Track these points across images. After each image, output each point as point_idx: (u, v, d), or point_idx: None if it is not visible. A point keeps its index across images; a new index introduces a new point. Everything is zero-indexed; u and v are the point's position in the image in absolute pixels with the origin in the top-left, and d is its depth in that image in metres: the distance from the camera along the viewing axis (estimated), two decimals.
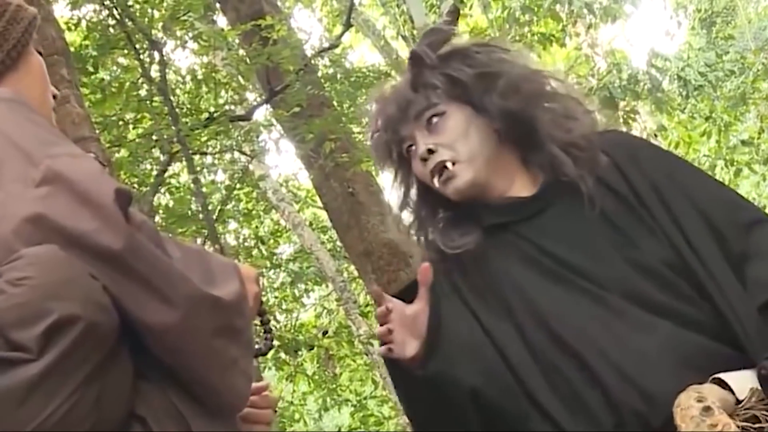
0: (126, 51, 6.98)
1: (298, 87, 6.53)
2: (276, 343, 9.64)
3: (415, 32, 9.46)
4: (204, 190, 7.23)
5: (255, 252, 10.05)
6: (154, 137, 6.89)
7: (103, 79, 7.17)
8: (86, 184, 1.43)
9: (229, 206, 8.57)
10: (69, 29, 6.77)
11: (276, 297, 10.70)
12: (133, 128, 7.47)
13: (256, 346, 1.81)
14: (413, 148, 2.07)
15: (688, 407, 1.74)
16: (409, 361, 1.85)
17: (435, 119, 2.04)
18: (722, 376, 1.79)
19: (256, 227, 10.50)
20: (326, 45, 7.95)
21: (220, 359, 1.49)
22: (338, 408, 11.84)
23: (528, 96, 2.04)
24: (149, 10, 6.88)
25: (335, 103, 7.17)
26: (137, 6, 6.87)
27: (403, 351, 1.85)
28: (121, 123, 7.17)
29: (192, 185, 6.84)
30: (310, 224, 11.29)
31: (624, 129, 9.51)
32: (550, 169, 2.04)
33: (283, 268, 10.66)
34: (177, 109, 6.83)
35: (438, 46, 2.10)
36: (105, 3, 6.66)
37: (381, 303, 1.86)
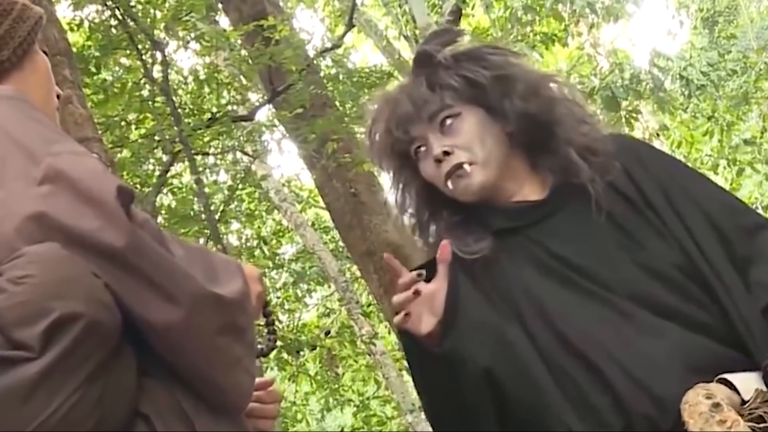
0: (128, 51, 6.98)
1: (301, 87, 6.53)
2: (278, 343, 9.64)
3: (417, 32, 9.46)
4: (206, 190, 7.22)
5: (257, 252, 10.05)
6: (156, 138, 6.89)
7: (105, 80, 7.18)
8: (88, 182, 1.42)
9: (231, 206, 8.57)
10: (71, 30, 6.77)
11: (278, 297, 10.70)
12: (136, 129, 7.47)
13: (259, 346, 1.81)
14: (423, 149, 2.06)
15: (697, 404, 1.74)
16: (425, 337, 1.84)
17: (449, 121, 2.03)
18: (728, 376, 1.79)
19: (259, 227, 10.51)
20: (328, 45, 7.94)
21: (223, 357, 1.48)
22: (341, 408, 11.85)
23: (547, 100, 2.04)
24: (151, 11, 6.89)
25: (337, 104, 7.16)
26: (139, 6, 6.87)
27: (419, 327, 1.83)
28: (123, 123, 7.17)
29: (194, 186, 6.84)
30: (313, 224, 11.29)
31: (626, 129, 9.52)
32: (561, 172, 2.04)
33: (285, 269, 10.67)
34: (179, 110, 6.83)
35: (448, 47, 2.09)
36: (107, 3, 6.66)
37: (395, 270, 1.85)
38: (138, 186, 7.24)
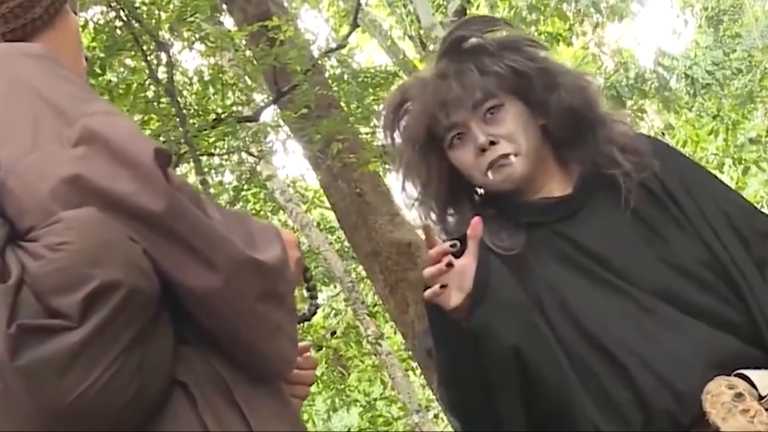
0: (133, 52, 6.98)
1: (306, 88, 6.52)
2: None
3: (421, 32, 9.45)
4: (212, 191, 7.23)
5: None
6: (161, 138, 6.88)
7: (110, 81, 7.17)
8: (124, 143, 1.38)
9: (236, 207, 8.57)
10: None
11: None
12: (141, 129, 7.47)
13: (300, 312, 1.76)
14: (461, 137, 2.04)
15: (719, 394, 1.75)
16: (452, 311, 1.83)
17: (493, 110, 2.03)
18: (745, 372, 1.81)
19: None
20: (333, 45, 7.95)
21: (264, 324, 1.45)
22: (347, 408, 11.84)
23: (590, 96, 2.06)
24: (156, 12, 6.88)
25: (343, 104, 7.16)
26: (144, 7, 6.87)
27: (447, 300, 1.82)
28: None
29: (200, 186, 6.83)
30: (318, 225, 11.28)
31: None
32: (592, 168, 2.05)
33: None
34: (184, 111, 6.83)
35: (488, 34, 2.08)
36: (112, 5, 6.66)
37: (431, 239, 1.84)
38: None
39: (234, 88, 8.13)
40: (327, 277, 10.67)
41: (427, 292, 1.83)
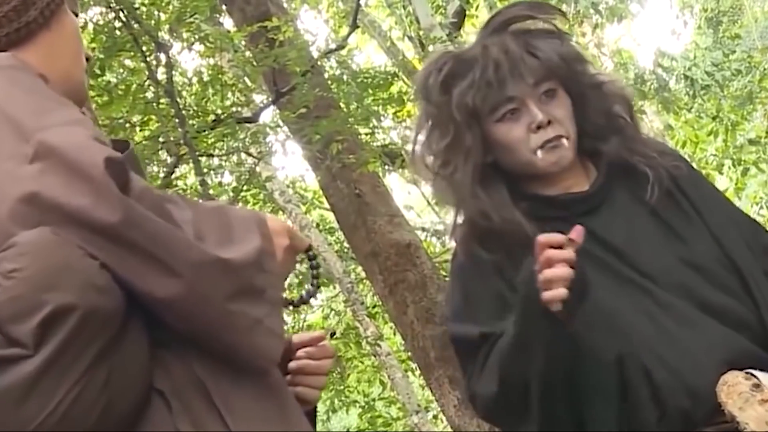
0: (132, 53, 6.98)
1: (305, 88, 6.52)
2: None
3: (421, 33, 9.45)
4: (211, 192, 7.22)
5: None
6: (161, 139, 6.89)
7: (109, 82, 7.17)
8: (76, 154, 1.36)
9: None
10: None
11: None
12: (140, 130, 7.47)
13: (303, 291, 1.74)
14: (514, 112, 2.03)
15: (736, 384, 1.75)
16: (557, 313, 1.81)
17: (549, 93, 2.05)
18: (753, 371, 1.81)
19: None
20: (333, 46, 7.95)
21: (240, 322, 1.42)
22: (346, 409, 11.83)
23: (629, 99, 2.11)
24: (155, 13, 6.89)
25: (342, 105, 7.16)
26: (143, 8, 6.87)
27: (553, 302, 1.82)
28: (127, 125, 7.17)
29: (199, 187, 6.83)
30: (317, 225, 11.27)
31: None
32: (611, 167, 2.08)
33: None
34: (184, 111, 6.83)
35: (543, 19, 2.09)
36: (111, 5, 6.66)
37: (555, 240, 1.80)
38: None
39: (233, 88, 8.12)
40: (326, 278, 10.66)
41: (548, 295, 1.78)
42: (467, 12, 10.34)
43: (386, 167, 8.49)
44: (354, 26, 7.61)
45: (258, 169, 8.76)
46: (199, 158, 6.76)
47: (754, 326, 1.93)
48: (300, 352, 1.80)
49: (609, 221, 2.03)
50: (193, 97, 8.03)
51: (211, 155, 7.75)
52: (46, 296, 1.29)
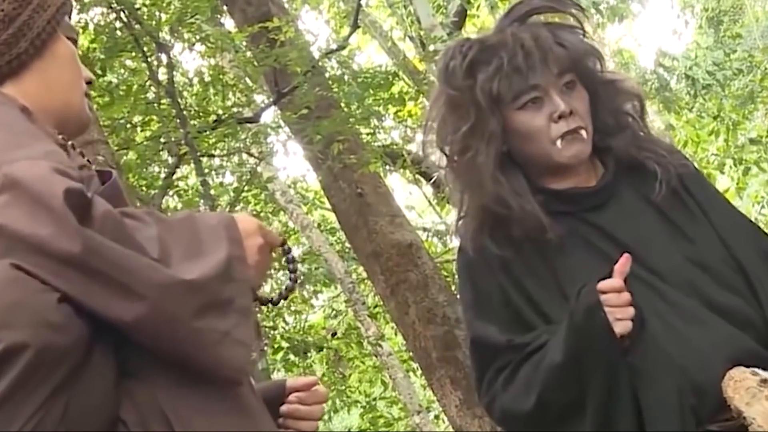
0: (134, 54, 6.98)
1: (306, 89, 6.52)
2: (285, 344, 9.64)
3: (422, 33, 9.45)
4: (212, 192, 7.23)
5: None
6: (162, 140, 6.89)
7: (110, 82, 7.18)
8: (37, 186, 1.38)
9: (237, 208, 8.56)
10: None
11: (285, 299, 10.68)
12: (141, 131, 7.48)
13: (285, 285, 1.74)
14: (536, 101, 2.03)
15: (743, 379, 1.75)
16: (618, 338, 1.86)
17: (570, 85, 2.05)
18: (756, 370, 1.81)
19: None
20: (333, 46, 7.94)
21: (207, 337, 1.43)
22: (347, 409, 11.83)
23: (643, 99, 2.13)
24: (156, 13, 6.89)
25: (343, 105, 7.16)
26: (144, 9, 6.87)
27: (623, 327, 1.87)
28: (129, 126, 7.18)
29: (200, 188, 6.84)
30: (319, 226, 11.27)
31: None
32: (619, 165, 2.08)
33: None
34: (185, 112, 6.83)
35: (562, 13, 2.12)
36: (112, 6, 6.66)
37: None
38: (144, 188, 7.24)
39: (234, 89, 8.13)
40: (328, 278, 10.66)
41: (627, 325, 1.85)
42: (468, 12, 10.34)
43: (387, 167, 8.50)
44: (355, 26, 7.60)
45: (259, 169, 8.77)
46: (201, 158, 6.76)
47: (759, 326, 1.94)
48: (292, 397, 1.82)
49: (617, 217, 2.04)
50: (194, 97, 8.04)
51: (213, 155, 7.75)
52: None
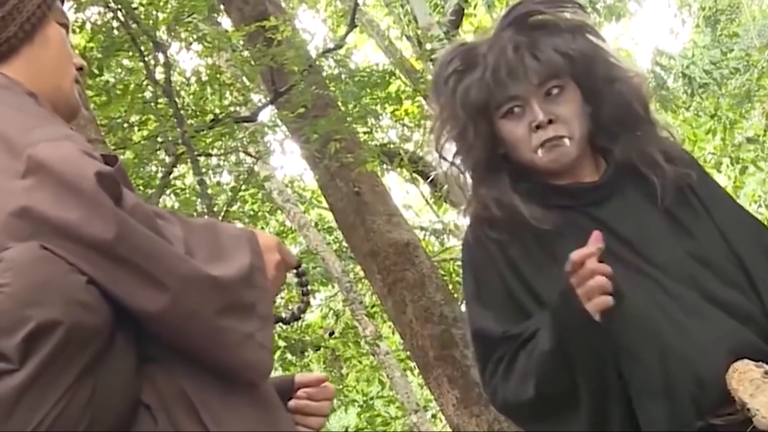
0: (130, 53, 6.97)
1: (303, 88, 6.52)
2: (282, 343, 9.64)
3: (419, 32, 9.45)
4: (209, 191, 7.22)
5: None
6: (159, 139, 6.89)
7: (107, 82, 7.17)
8: (64, 168, 1.37)
9: (234, 207, 8.56)
10: (73, 32, 6.75)
11: (282, 298, 10.70)
12: (138, 130, 7.47)
13: (295, 308, 1.76)
14: (518, 110, 2.05)
15: (747, 371, 1.76)
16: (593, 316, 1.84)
17: (555, 90, 2.05)
18: (762, 364, 1.82)
19: (262, 228, 10.49)
20: (330, 45, 7.94)
21: (229, 338, 1.43)
22: (345, 408, 11.83)
23: (645, 95, 2.10)
24: (153, 12, 6.88)
25: (340, 104, 7.16)
26: (141, 8, 6.87)
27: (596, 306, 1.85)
28: (126, 125, 7.17)
29: (197, 187, 6.83)
30: (316, 225, 11.27)
31: None
32: (626, 161, 2.09)
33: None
34: (182, 111, 6.83)
35: (557, 13, 2.09)
36: (109, 5, 6.66)
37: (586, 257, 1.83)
38: (141, 188, 7.23)
39: (231, 88, 8.13)
40: (325, 277, 10.66)
41: (601, 301, 1.82)
42: (465, 11, 10.34)
43: (385, 166, 8.49)
44: (352, 25, 7.60)
45: (256, 168, 8.76)
46: (198, 158, 6.75)
47: (760, 321, 1.94)
48: (300, 392, 1.82)
49: (619, 212, 2.05)
50: (191, 96, 8.04)
51: (210, 155, 7.74)
52: (31, 312, 1.30)
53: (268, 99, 7.06)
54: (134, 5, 6.69)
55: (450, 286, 7.61)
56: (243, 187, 8.53)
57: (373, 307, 10.71)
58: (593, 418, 1.88)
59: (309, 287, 1.80)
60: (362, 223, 6.59)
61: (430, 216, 11.86)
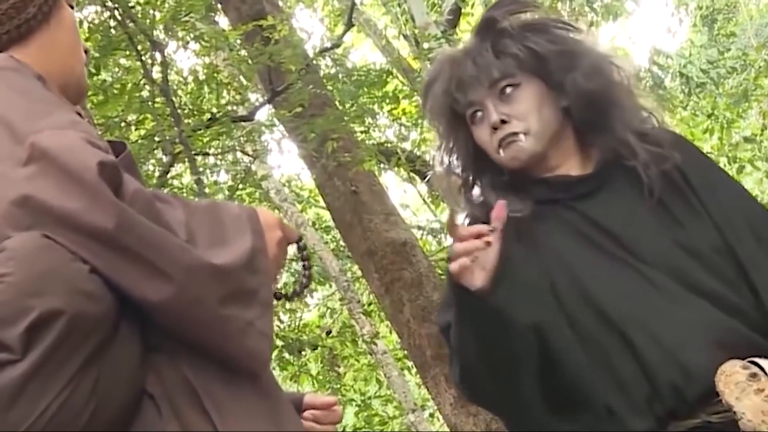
0: (128, 52, 6.97)
1: (300, 87, 6.52)
2: (279, 342, 9.64)
3: (416, 32, 9.44)
4: (207, 190, 7.22)
5: None
6: (156, 138, 6.88)
7: (105, 81, 7.16)
8: (67, 158, 1.36)
9: None
10: None
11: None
12: (136, 129, 7.46)
13: (299, 281, 1.75)
14: (479, 114, 2.10)
15: (733, 374, 1.76)
16: (477, 291, 1.85)
17: (509, 89, 2.09)
18: (757, 360, 1.82)
19: None
20: (328, 45, 7.94)
21: (232, 326, 1.42)
22: (342, 408, 11.82)
23: (608, 80, 2.10)
24: (151, 12, 6.87)
25: (337, 103, 7.16)
26: (138, 7, 6.86)
27: (472, 279, 1.84)
28: (123, 124, 7.16)
29: (195, 186, 6.83)
30: (313, 224, 11.27)
31: None
32: (612, 152, 2.09)
33: (286, 268, 10.64)
34: (179, 110, 6.82)
35: (515, 15, 2.12)
36: (106, 4, 6.65)
37: (453, 224, 1.87)
38: None
39: (229, 87, 8.13)
40: (322, 277, 10.67)
41: (454, 266, 1.83)
42: (462, 10, 10.34)
43: (382, 166, 8.49)
44: (349, 25, 7.60)
45: (253, 167, 8.76)
46: (195, 157, 6.75)
47: (750, 313, 1.93)
48: (307, 413, 1.81)
49: (607, 205, 2.05)
50: (188, 95, 8.03)
51: (207, 154, 7.74)
52: (33, 301, 1.29)
53: (266, 98, 7.06)
54: (131, 4, 6.68)
55: None
56: (240, 186, 8.53)
57: (370, 306, 10.71)
58: (507, 394, 1.92)
59: (310, 261, 1.78)
60: (359, 222, 6.58)
61: (428, 215, 11.87)
